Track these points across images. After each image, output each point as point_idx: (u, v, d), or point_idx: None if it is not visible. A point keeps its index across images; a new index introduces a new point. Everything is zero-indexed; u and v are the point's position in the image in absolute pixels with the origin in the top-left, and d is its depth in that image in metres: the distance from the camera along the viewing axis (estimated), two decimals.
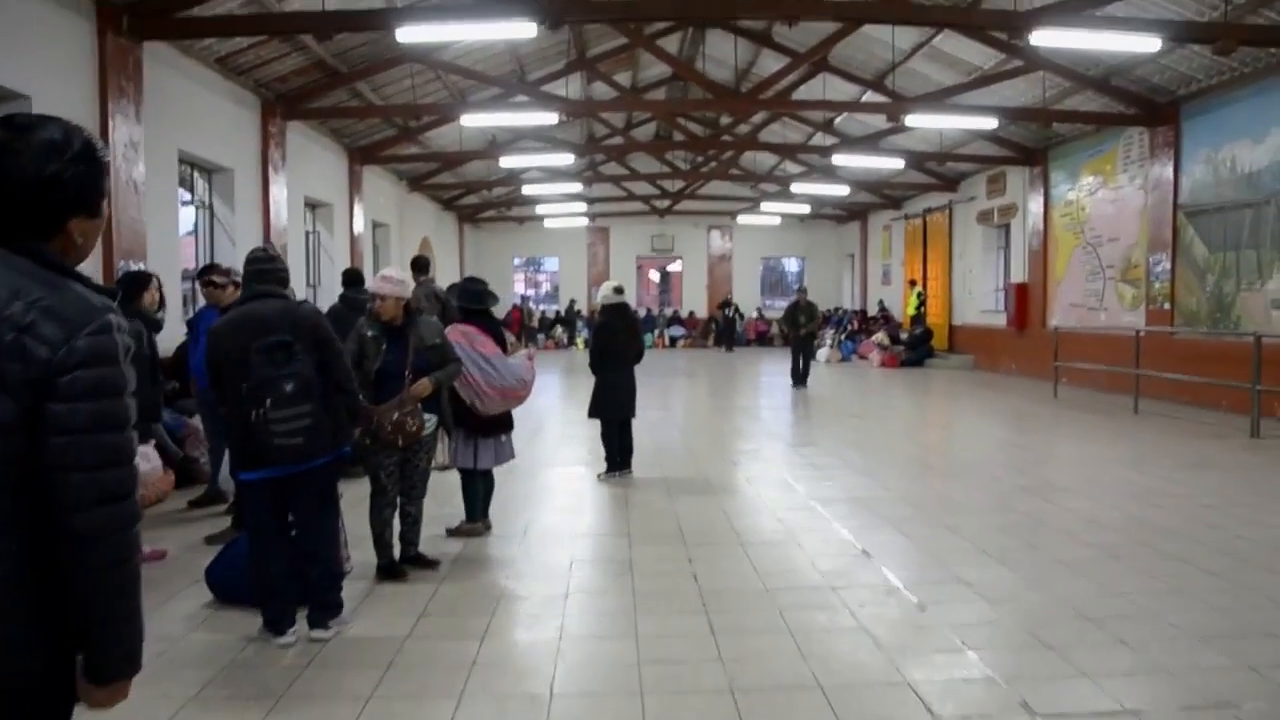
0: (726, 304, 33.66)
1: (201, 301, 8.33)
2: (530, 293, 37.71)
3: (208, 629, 5.21)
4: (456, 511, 7.27)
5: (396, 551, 6.23)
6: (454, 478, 7.27)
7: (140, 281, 6.78)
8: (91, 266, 10.27)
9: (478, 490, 7.18)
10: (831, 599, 5.55)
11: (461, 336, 6.72)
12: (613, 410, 9.29)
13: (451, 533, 7.16)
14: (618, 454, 9.37)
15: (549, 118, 16.62)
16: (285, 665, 4.66)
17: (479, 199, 30.76)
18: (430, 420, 6.09)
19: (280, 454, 4.76)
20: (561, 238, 35.17)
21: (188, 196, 13.60)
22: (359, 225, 20.12)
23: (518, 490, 8.78)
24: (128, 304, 6.60)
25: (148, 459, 6.48)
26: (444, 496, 7.70)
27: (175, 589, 5.89)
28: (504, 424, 7.12)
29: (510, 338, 7.40)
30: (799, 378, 18.84)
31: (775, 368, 24.93)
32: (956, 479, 9.32)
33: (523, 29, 10.96)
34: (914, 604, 5.45)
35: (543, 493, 8.81)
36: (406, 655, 4.74)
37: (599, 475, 9.38)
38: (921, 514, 7.74)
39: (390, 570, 6.07)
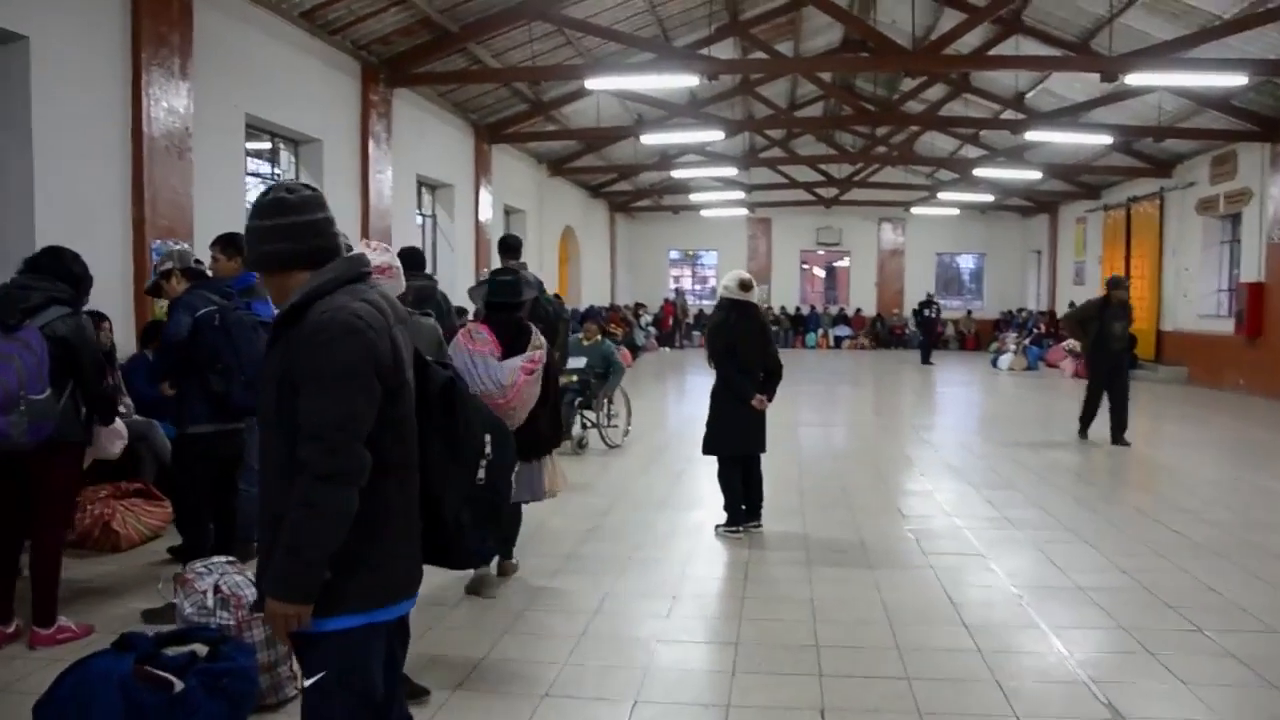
0: (929, 303, 26.95)
1: None
2: (696, 288, 35.34)
3: None
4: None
5: None
6: None
7: None
8: (120, 246, 8.60)
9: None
10: None
11: (465, 335, 5.53)
12: (733, 443, 6.91)
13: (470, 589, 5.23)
14: (741, 502, 6.99)
15: (689, 80, 14.22)
16: None
17: (631, 186, 28.72)
18: None
19: (468, 556, 3.01)
20: (720, 229, 32.76)
21: (266, 169, 11.87)
22: (486, 211, 18.24)
23: (603, 550, 6.54)
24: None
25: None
26: None
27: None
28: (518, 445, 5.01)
29: (542, 340, 5.69)
30: (1112, 426, 11.37)
31: (953, 375, 22.01)
32: (1226, 559, 6.44)
33: None
34: None
35: (635, 554, 6.48)
36: None
37: (716, 529, 7.02)
38: (1189, 627, 5.05)
39: None
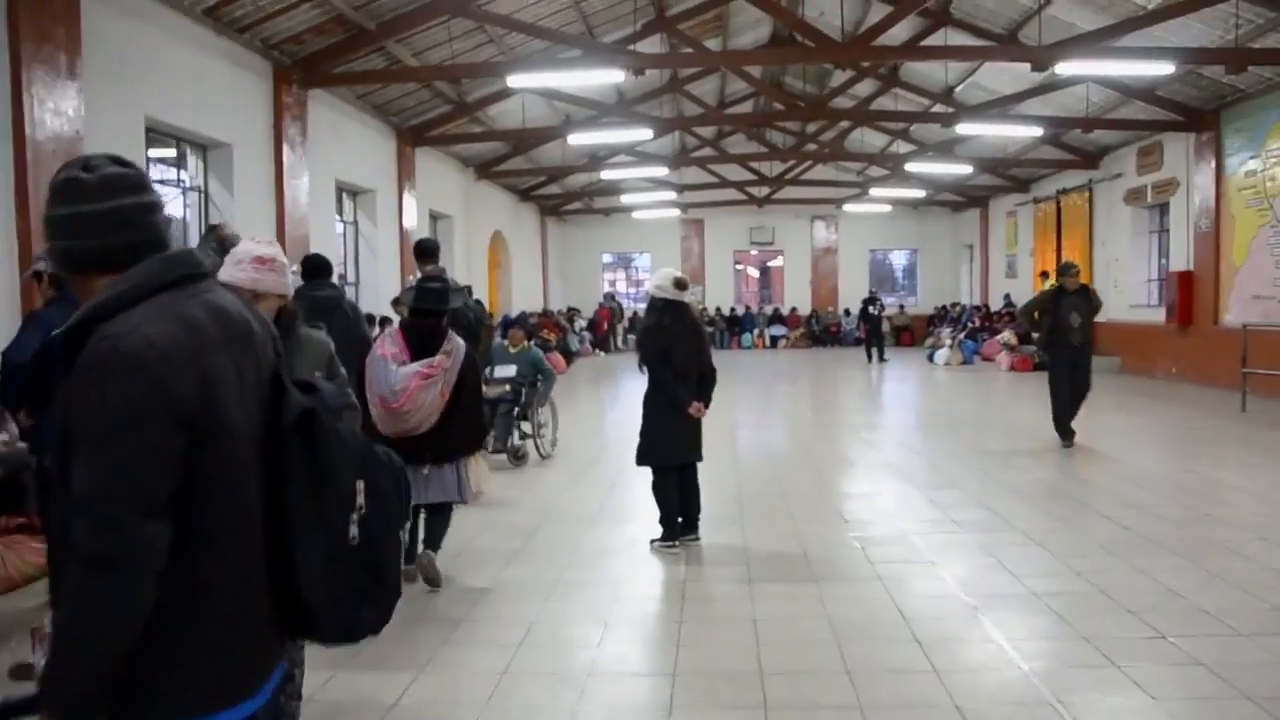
0: (873, 300, 26.06)
1: None
2: (632, 291, 34.86)
3: None
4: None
5: None
6: None
7: None
8: (4, 258, 8.02)
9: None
10: None
11: (380, 340, 5.80)
12: (668, 452, 6.52)
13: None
14: (677, 514, 6.60)
15: (615, 75, 13.77)
16: None
17: (561, 189, 28.24)
18: None
19: (335, 632, 2.08)
20: (653, 231, 32.32)
21: (172, 176, 11.25)
22: (411, 216, 17.67)
23: (529, 573, 6.09)
24: None
25: None
26: None
27: None
28: (429, 448, 5.56)
29: (454, 345, 5.73)
30: (1067, 426, 10.67)
31: (891, 371, 21.86)
32: (1181, 556, 6.17)
33: None
34: None
35: (564, 576, 6.04)
36: None
37: (651, 544, 6.62)
38: (1153, 634, 4.76)
39: None
